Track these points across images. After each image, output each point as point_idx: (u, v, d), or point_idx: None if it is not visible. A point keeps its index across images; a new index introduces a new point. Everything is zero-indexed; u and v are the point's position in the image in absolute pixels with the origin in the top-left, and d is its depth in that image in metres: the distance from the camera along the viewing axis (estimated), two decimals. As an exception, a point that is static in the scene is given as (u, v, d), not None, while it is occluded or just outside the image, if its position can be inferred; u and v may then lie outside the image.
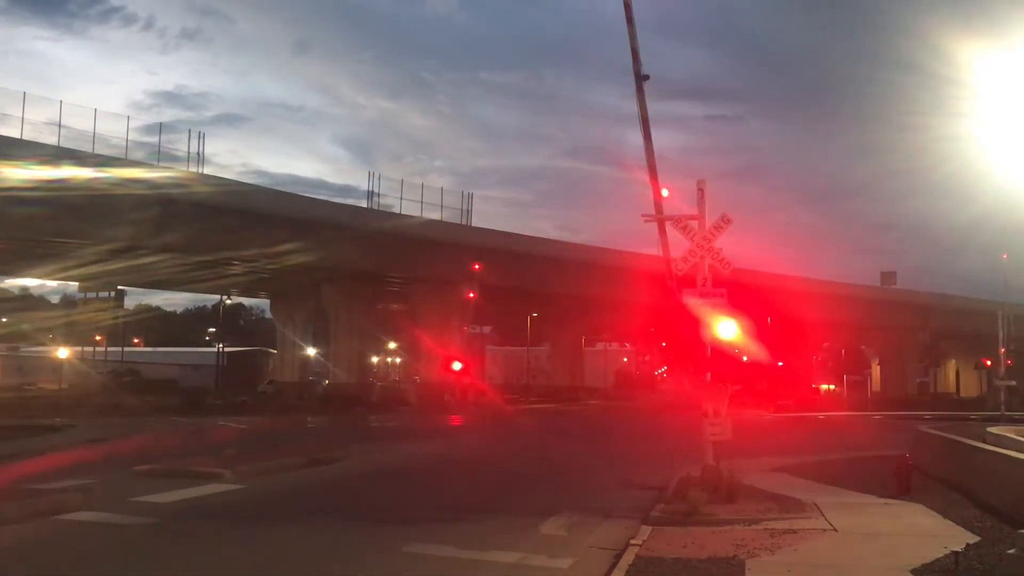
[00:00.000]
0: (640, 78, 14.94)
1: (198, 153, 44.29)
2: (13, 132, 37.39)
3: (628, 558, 9.63)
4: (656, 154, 15.37)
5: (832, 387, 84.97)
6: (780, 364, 65.64)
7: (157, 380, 60.08)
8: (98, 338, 73.27)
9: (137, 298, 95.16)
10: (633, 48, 14.98)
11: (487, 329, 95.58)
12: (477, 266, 52.20)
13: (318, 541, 11.09)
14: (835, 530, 11.51)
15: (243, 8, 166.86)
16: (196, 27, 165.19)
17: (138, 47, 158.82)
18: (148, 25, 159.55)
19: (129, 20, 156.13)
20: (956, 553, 9.14)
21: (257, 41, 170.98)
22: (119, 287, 63.74)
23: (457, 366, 45.01)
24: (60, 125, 38.96)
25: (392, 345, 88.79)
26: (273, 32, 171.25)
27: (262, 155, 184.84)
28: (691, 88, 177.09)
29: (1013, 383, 50.77)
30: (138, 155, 43.14)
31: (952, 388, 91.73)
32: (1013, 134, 20.37)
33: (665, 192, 15.36)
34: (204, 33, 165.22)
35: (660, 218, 15.44)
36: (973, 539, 10.39)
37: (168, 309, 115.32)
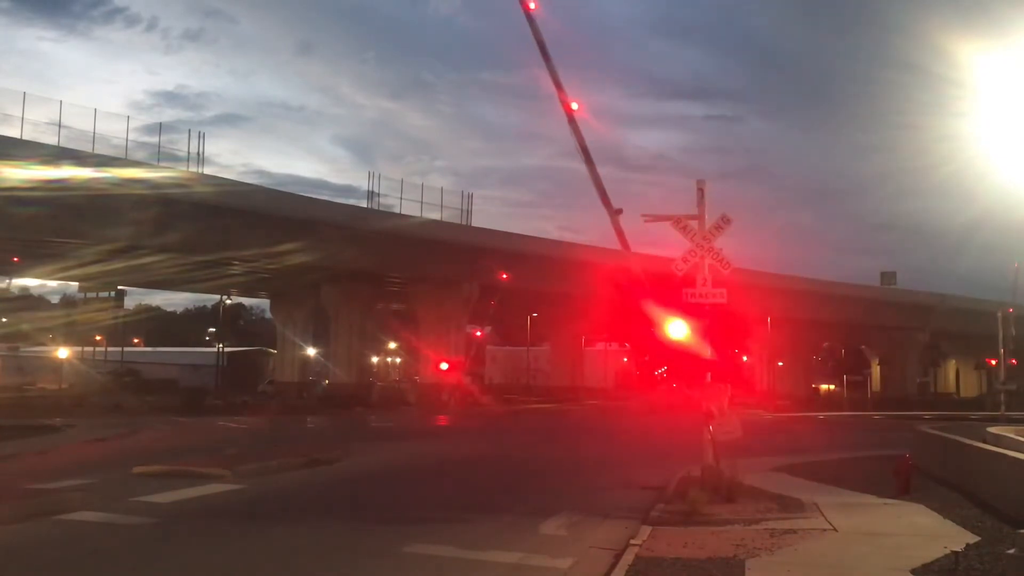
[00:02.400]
0: (569, 111, 14.79)
1: (198, 153, 44.35)
2: (13, 132, 37.42)
3: (628, 558, 9.62)
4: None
5: (832, 387, 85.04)
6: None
7: (157, 380, 60.12)
8: (98, 338, 73.35)
9: (137, 298, 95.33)
10: (556, 82, 14.82)
11: (487, 329, 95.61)
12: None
13: (318, 541, 11.08)
14: (835, 530, 11.51)
15: (246, 9, 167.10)
16: (199, 28, 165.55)
17: (142, 48, 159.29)
18: (151, 26, 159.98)
19: (133, 21, 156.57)
20: (956, 553, 9.14)
21: (259, 42, 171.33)
22: (119, 287, 63.80)
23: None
24: (60, 125, 38.98)
25: (392, 345, 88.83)
26: (275, 33, 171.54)
27: (263, 155, 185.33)
28: (691, 88, 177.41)
29: (1013, 387, 50.53)
30: (139, 155, 43.23)
31: (952, 388, 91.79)
32: (1013, 134, 20.35)
33: (621, 210, 15.26)
34: (207, 34, 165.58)
35: (661, 218, 15.47)
36: (973, 539, 10.38)
37: (168, 309, 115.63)
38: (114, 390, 51.16)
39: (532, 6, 14.52)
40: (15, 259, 50.73)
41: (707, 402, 14.29)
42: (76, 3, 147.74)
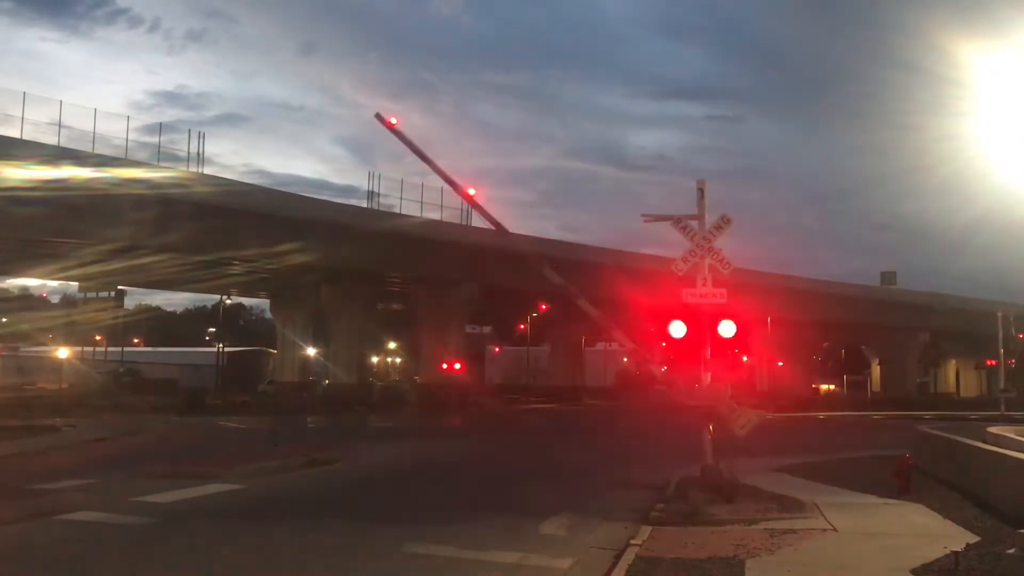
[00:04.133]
0: (467, 197, 16.43)
1: (198, 153, 44.35)
2: (13, 132, 37.40)
3: (628, 558, 9.62)
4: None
5: (832, 387, 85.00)
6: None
7: (157, 380, 60.02)
8: (98, 338, 73.28)
9: (137, 298, 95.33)
10: (446, 179, 16.53)
11: (487, 329, 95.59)
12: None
13: (318, 541, 11.09)
14: (835, 530, 11.51)
15: (248, 10, 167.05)
16: (201, 28, 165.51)
17: (144, 49, 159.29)
18: (154, 27, 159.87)
19: (135, 22, 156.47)
20: (956, 553, 9.13)
21: (261, 42, 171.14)
22: (119, 287, 63.74)
23: (445, 367, 45.28)
24: (60, 125, 38.97)
25: (392, 345, 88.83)
26: (277, 33, 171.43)
27: (264, 155, 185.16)
28: (691, 88, 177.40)
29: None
30: (139, 155, 43.20)
31: (952, 388, 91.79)
32: (1013, 134, 20.32)
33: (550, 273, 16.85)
34: (209, 34, 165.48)
35: (661, 218, 15.49)
36: (973, 539, 10.37)
37: (168, 309, 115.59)
38: (114, 390, 51.11)
39: (393, 121, 16.29)
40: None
41: (718, 402, 14.26)
42: (79, 4, 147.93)
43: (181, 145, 45.96)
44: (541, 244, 60.56)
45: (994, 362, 55.85)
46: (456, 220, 54.17)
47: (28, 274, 62.92)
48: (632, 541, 10.58)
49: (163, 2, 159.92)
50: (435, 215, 52.92)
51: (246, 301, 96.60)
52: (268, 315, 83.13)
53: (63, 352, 63.67)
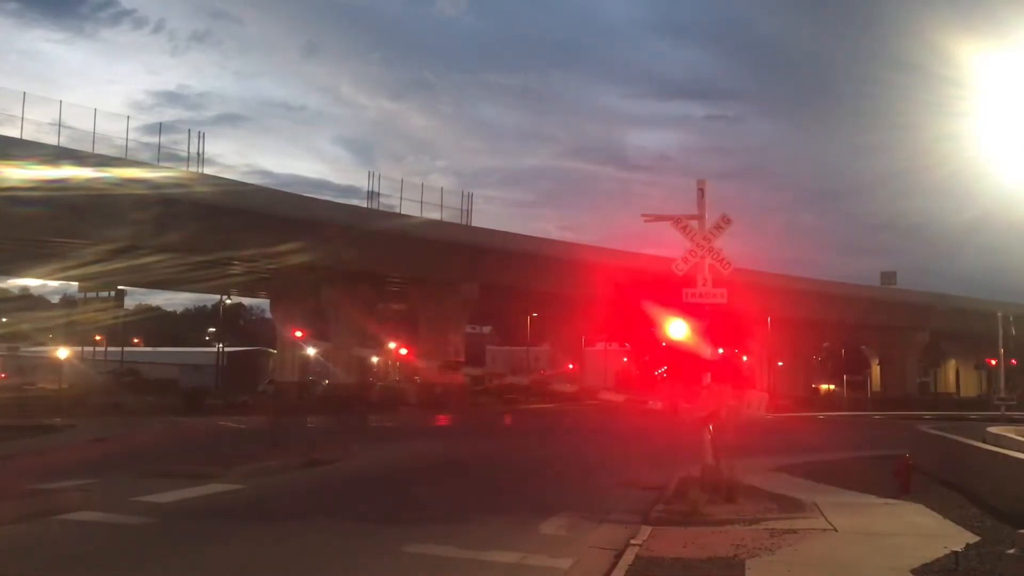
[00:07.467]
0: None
1: (199, 153, 44.40)
2: (14, 132, 37.44)
3: (628, 558, 9.62)
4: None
5: (832, 387, 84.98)
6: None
7: (157, 380, 60.09)
8: (98, 338, 73.33)
9: (137, 298, 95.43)
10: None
11: (487, 329, 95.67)
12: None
13: (318, 541, 11.08)
14: (835, 530, 11.51)
15: (253, 11, 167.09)
16: (206, 29, 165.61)
17: (148, 49, 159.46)
18: (159, 28, 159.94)
19: (140, 23, 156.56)
20: (956, 553, 9.14)
21: (264, 43, 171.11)
22: (119, 287, 63.81)
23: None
24: (61, 125, 39.07)
25: (392, 345, 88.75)
26: (280, 34, 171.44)
27: (265, 155, 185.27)
28: (691, 88, 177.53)
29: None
30: (141, 155, 43.42)
31: (952, 388, 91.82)
32: (1013, 134, 20.30)
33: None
34: (213, 36, 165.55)
35: (661, 218, 15.48)
36: (973, 539, 10.38)
37: (168, 309, 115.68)
38: (114, 390, 51.16)
39: (299, 334, 17.40)
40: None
41: (719, 404, 14.23)
42: (84, 5, 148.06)
43: (182, 145, 46.07)
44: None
45: (995, 361, 55.74)
46: (456, 220, 54.32)
47: (28, 274, 62.90)
48: (632, 541, 10.57)
49: (168, 3, 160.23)
50: (435, 215, 53.03)
51: (246, 301, 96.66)
52: (268, 315, 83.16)
53: (63, 352, 63.70)
